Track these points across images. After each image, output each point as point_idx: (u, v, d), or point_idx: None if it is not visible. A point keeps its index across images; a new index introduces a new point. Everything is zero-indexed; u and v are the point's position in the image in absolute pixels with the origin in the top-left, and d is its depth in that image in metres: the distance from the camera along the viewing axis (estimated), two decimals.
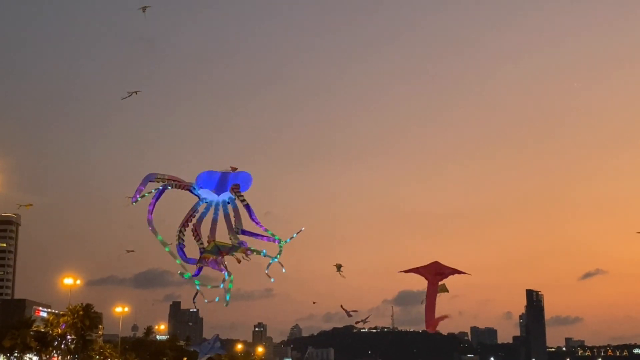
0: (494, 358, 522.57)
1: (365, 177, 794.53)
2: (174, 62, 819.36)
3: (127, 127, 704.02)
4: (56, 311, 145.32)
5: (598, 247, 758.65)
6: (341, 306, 64.15)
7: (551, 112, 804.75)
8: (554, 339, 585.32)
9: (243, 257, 31.82)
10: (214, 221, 31.85)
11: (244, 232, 31.68)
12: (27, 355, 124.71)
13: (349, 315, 64.89)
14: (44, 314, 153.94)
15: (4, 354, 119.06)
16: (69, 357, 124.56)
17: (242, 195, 31.78)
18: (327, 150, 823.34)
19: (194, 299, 32.97)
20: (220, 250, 31.22)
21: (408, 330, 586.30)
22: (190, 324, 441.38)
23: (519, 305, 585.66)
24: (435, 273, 35.13)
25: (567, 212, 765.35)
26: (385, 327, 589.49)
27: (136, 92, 46.45)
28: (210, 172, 32.58)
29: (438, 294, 35.34)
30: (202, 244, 31.47)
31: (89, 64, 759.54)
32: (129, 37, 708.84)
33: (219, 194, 31.65)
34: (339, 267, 56.50)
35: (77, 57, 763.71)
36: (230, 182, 31.77)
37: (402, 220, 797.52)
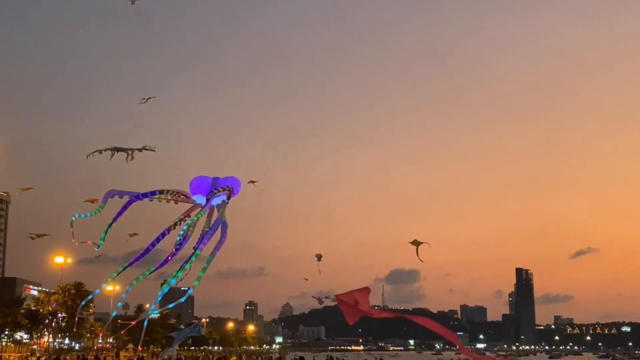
0: (484, 336, 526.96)
1: (358, 157, 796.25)
2: (165, 44, 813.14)
3: (120, 107, 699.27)
4: (47, 289, 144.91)
5: (590, 226, 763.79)
6: (312, 296, 63.56)
7: (544, 92, 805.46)
8: (543, 316, 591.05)
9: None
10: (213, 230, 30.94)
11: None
12: (18, 333, 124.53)
13: (321, 303, 64.30)
14: (35, 292, 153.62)
15: None
16: (60, 335, 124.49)
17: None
18: (319, 131, 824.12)
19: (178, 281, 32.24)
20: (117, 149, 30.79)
21: (399, 308, 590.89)
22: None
23: (509, 283, 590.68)
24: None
25: (558, 190, 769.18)
26: (376, 306, 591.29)
27: (149, 98, 45.20)
28: (203, 178, 31.64)
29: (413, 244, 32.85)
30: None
31: (82, 43, 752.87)
32: (123, 15, 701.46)
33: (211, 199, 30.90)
34: (319, 257, 55.98)
35: (70, 37, 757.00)
36: (221, 185, 30.95)
37: (393, 200, 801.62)
